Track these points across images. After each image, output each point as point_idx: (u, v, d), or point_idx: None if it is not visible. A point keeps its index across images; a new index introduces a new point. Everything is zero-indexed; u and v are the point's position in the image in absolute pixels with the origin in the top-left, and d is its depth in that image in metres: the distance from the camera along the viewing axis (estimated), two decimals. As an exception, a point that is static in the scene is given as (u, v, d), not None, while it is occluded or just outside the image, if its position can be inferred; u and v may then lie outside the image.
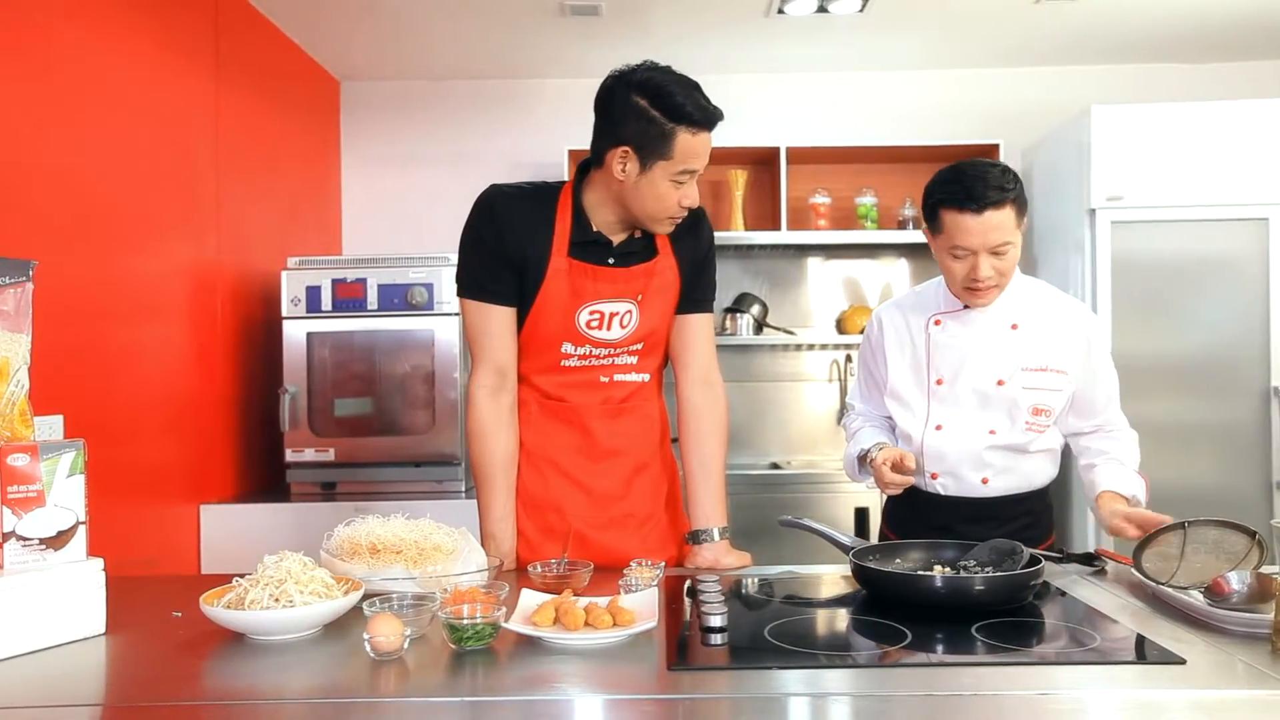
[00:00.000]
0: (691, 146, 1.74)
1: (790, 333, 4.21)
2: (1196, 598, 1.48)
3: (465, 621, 1.34)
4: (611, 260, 1.87)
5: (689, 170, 1.76)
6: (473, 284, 1.88)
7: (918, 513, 2.02)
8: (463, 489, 3.34)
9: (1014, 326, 1.94)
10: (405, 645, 1.32)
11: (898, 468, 1.89)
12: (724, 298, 4.28)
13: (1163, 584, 1.57)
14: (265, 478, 3.48)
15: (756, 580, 1.77)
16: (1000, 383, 1.93)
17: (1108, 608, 1.53)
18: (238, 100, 3.33)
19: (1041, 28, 3.80)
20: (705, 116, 1.74)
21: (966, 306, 1.96)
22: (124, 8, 2.67)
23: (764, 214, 4.23)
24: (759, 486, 3.91)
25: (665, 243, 1.93)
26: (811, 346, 4.36)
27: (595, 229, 1.86)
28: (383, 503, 3.00)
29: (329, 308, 3.29)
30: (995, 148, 4.03)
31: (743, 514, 3.93)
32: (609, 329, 1.89)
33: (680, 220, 1.84)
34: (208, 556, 3.07)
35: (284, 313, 3.30)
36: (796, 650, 1.32)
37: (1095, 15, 3.68)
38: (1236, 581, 1.45)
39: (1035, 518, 1.97)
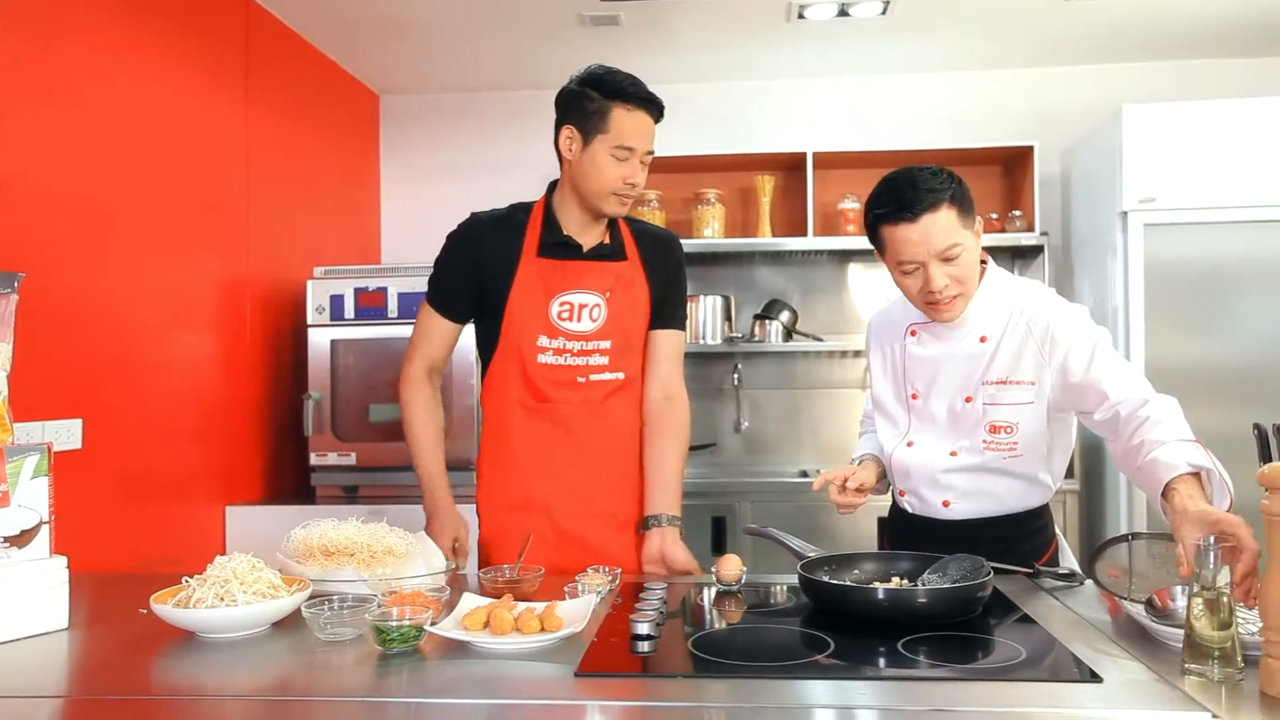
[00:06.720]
0: (626, 123, 1.90)
1: (818, 339, 4.17)
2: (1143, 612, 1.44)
3: (392, 624, 1.38)
4: (580, 258, 2.00)
5: (626, 147, 1.91)
6: (439, 296, 2.08)
7: (897, 527, 2.00)
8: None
9: (982, 339, 1.81)
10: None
11: (844, 489, 1.86)
12: (754, 304, 4.27)
13: (1122, 597, 1.52)
14: (290, 481, 3.59)
15: (715, 589, 1.77)
16: (969, 400, 1.82)
17: (1057, 623, 1.48)
18: (269, 115, 3.46)
19: (1073, 26, 3.70)
20: (637, 94, 1.91)
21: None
22: (153, 31, 2.79)
23: (792, 220, 4.20)
24: (786, 494, 3.88)
25: (634, 251, 2.05)
26: (845, 354, 4.31)
27: (566, 233, 2.00)
28: (403, 505, 3.05)
29: (352, 316, 3.39)
30: (1030, 150, 3.94)
31: (767, 522, 3.91)
32: (579, 320, 1.99)
33: (627, 199, 1.96)
34: (233, 556, 3.18)
35: (309, 320, 3.41)
36: (709, 659, 1.32)
37: (1129, 11, 3.56)
38: (1182, 596, 1.40)
39: (1009, 544, 1.80)
